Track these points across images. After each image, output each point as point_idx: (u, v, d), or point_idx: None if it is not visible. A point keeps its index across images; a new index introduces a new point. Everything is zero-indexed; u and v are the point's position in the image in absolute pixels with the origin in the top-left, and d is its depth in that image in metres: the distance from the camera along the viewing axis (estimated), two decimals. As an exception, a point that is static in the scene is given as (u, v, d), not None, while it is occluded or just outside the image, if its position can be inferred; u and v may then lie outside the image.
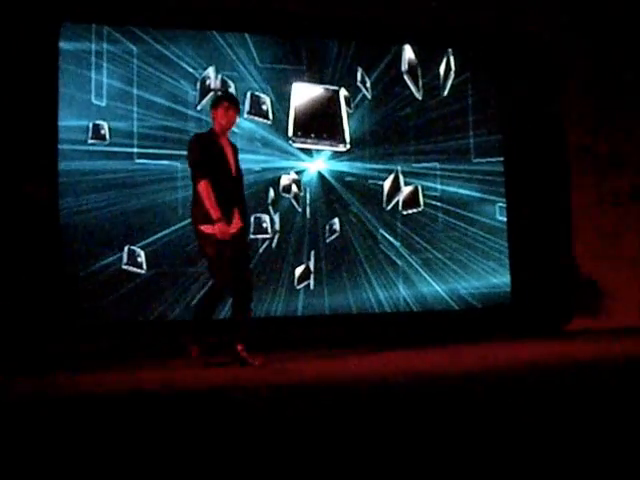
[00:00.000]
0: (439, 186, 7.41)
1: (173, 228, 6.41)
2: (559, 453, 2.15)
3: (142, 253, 6.33)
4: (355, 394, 3.55)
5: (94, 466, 2.13)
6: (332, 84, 7.13)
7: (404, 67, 7.38)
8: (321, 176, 7.07)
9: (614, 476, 1.94)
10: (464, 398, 3.29)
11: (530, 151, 7.49)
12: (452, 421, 2.73)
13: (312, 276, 6.92)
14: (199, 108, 6.64)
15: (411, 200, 7.34)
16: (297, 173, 6.99)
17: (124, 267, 6.29)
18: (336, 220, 7.06)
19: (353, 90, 7.21)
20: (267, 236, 6.82)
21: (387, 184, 7.26)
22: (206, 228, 4.77)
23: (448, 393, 3.48)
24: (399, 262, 7.21)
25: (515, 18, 7.35)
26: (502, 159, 7.56)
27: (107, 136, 6.32)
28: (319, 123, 7.06)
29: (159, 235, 6.40)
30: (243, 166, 6.82)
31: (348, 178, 7.16)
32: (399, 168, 7.28)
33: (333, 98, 7.12)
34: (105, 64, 6.36)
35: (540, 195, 7.47)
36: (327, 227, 7.04)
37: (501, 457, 2.15)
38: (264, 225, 6.80)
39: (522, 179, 7.50)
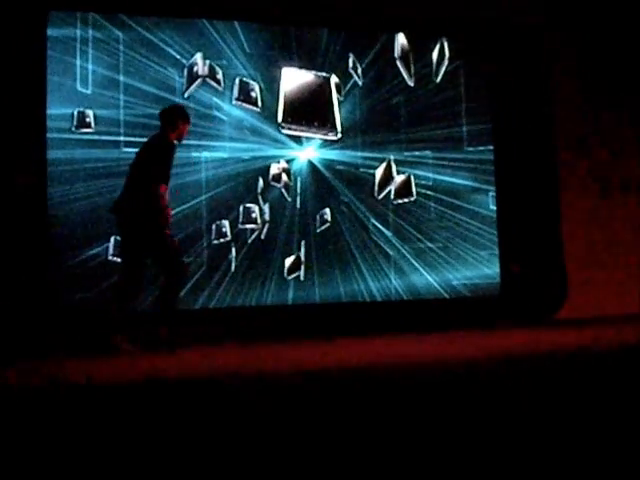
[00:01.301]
0: (431, 175, 7.34)
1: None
2: (546, 439, 2.11)
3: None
4: (345, 382, 3.52)
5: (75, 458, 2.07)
6: (323, 71, 7.05)
7: (397, 53, 7.30)
8: (311, 165, 7.00)
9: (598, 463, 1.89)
10: (455, 385, 3.26)
11: (519, 140, 7.43)
12: (441, 408, 2.69)
13: (303, 266, 6.86)
14: (186, 95, 6.55)
15: (403, 189, 7.27)
16: (287, 162, 6.91)
17: (110, 258, 6.22)
18: (327, 210, 6.99)
19: (344, 77, 7.13)
20: (256, 226, 6.75)
21: (379, 173, 7.19)
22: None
23: (438, 381, 3.45)
24: (391, 252, 7.15)
25: (506, 7, 7.29)
26: (492, 148, 7.50)
27: (93, 124, 6.24)
28: (309, 110, 6.98)
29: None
30: (232, 154, 6.78)
31: (339, 167, 7.08)
32: (391, 157, 7.21)
33: (324, 85, 7.03)
34: (91, 51, 6.27)
35: (529, 185, 7.42)
36: (318, 217, 6.97)
37: (489, 444, 2.10)
38: (253, 215, 6.73)
39: (512, 168, 7.45)
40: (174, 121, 5.30)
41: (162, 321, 5.15)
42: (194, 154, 6.46)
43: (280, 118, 6.87)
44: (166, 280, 5.25)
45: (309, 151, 6.99)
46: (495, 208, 7.48)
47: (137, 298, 5.33)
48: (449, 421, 2.51)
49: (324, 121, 7.03)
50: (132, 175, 5.30)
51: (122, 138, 6.29)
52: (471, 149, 7.48)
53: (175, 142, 5.30)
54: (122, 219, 5.24)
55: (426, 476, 1.92)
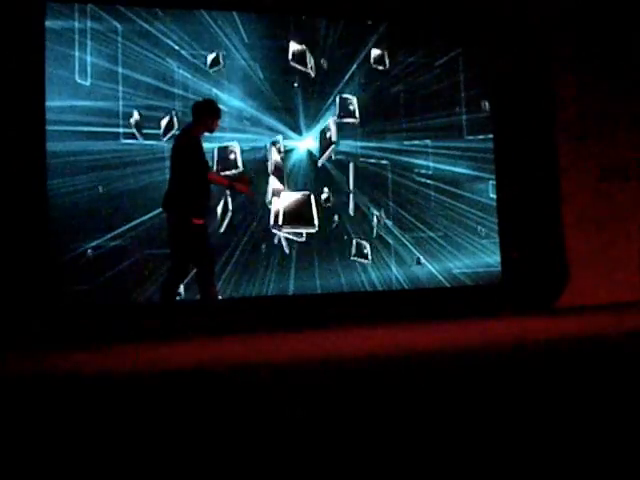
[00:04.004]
0: (431, 164, 7.33)
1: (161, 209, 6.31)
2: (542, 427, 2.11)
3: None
4: (347, 370, 3.53)
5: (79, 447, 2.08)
6: (321, 61, 7.03)
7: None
8: (311, 154, 6.99)
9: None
10: (458, 373, 3.26)
11: (519, 128, 7.42)
12: (442, 395, 2.70)
13: (303, 256, 6.86)
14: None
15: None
16: (287, 151, 6.90)
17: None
18: (327, 198, 6.99)
19: (343, 67, 7.11)
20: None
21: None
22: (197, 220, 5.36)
23: (440, 369, 3.45)
24: (391, 241, 7.15)
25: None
26: (491, 136, 7.49)
27: (93, 116, 6.22)
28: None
29: (147, 216, 6.30)
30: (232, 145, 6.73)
31: (338, 156, 7.07)
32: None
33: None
34: (89, 43, 6.25)
35: (529, 173, 7.42)
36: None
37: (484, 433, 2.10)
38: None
39: (512, 156, 7.44)
40: (199, 116, 5.45)
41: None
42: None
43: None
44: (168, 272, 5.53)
45: (309, 141, 6.98)
46: (495, 196, 7.47)
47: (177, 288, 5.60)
48: (452, 409, 2.52)
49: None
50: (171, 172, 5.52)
51: (121, 130, 6.28)
52: (471, 138, 7.47)
53: (199, 135, 5.46)
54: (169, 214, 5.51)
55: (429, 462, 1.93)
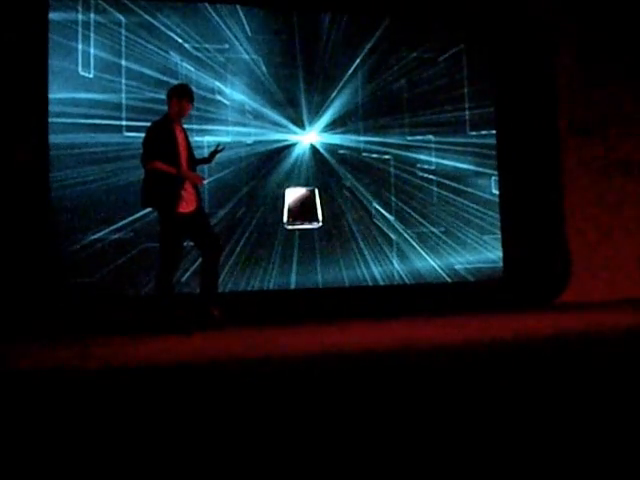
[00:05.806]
0: (434, 159, 7.33)
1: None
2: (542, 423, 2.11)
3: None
4: (347, 365, 3.53)
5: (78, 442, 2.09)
6: (324, 55, 7.03)
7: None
8: (314, 149, 6.98)
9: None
10: (457, 368, 3.26)
11: (522, 124, 7.41)
12: (442, 391, 2.70)
13: (305, 250, 6.86)
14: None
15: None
16: (289, 146, 6.90)
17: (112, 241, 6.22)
18: (329, 193, 6.99)
19: (346, 61, 7.10)
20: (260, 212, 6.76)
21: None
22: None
23: (442, 365, 3.45)
24: (393, 236, 7.15)
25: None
26: (494, 132, 7.48)
27: (96, 109, 6.22)
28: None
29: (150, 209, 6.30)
30: (235, 139, 6.75)
31: (341, 151, 7.07)
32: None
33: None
34: (92, 35, 6.25)
35: (532, 168, 7.41)
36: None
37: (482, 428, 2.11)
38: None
39: (514, 152, 7.43)
40: (168, 99, 5.29)
41: (212, 302, 5.29)
42: (197, 138, 6.44)
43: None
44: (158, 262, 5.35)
45: (312, 135, 6.98)
46: (498, 192, 7.47)
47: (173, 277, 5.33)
48: (453, 405, 2.52)
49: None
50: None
51: (124, 122, 6.29)
52: (474, 133, 7.46)
53: (171, 121, 5.24)
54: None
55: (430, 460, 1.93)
